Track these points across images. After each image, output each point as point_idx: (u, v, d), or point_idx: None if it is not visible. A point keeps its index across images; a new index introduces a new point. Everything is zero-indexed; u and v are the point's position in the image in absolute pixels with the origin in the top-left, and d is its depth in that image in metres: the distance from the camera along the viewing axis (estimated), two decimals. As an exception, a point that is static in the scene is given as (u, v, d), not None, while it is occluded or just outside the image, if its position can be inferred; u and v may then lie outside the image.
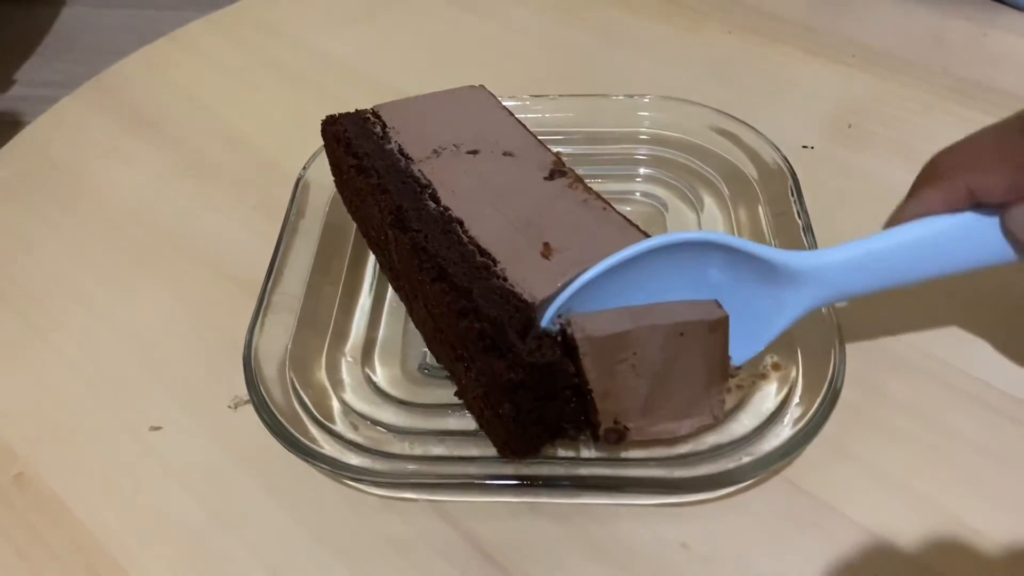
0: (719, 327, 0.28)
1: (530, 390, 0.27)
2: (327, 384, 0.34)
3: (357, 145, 0.37)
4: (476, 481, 0.29)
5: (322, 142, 0.40)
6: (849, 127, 0.48)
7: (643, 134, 0.44)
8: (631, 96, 0.44)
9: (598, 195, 0.34)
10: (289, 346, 0.34)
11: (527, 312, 0.29)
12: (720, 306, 0.28)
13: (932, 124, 0.48)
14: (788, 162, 0.39)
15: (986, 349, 0.36)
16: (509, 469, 0.30)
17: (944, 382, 0.35)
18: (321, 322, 0.36)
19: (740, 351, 0.30)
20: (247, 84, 0.55)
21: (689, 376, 0.29)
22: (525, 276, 0.30)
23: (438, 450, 0.31)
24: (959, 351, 0.36)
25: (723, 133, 0.42)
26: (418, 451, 0.31)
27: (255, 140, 0.49)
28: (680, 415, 0.30)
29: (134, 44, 0.58)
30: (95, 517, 0.32)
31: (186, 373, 0.36)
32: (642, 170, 0.44)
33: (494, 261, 0.31)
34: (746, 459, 0.29)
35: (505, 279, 0.30)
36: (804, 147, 0.46)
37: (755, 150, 0.41)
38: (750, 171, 0.41)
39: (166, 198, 0.46)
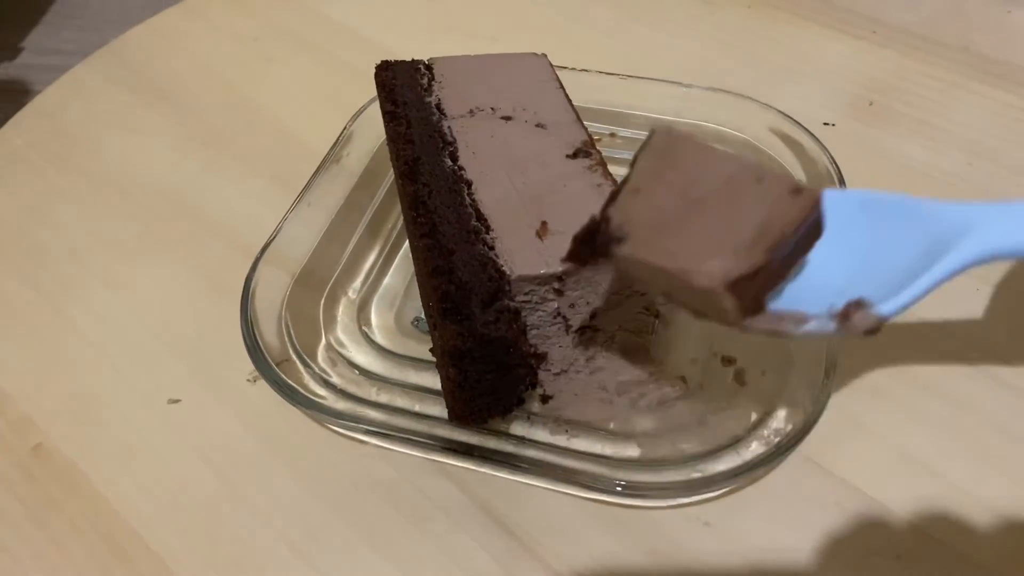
0: (804, 194, 0.24)
1: (478, 360, 0.28)
2: (320, 318, 0.35)
3: (399, 93, 0.38)
4: (416, 438, 0.30)
5: (335, 110, 0.41)
6: (870, 104, 0.47)
7: (700, 127, 0.42)
8: (709, 88, 0.43)
9: (615, 182, 0.33)
10: (296, 273, 0.35)
11: (500, 283, 0.29)
12: (815, 193, 0.24)
13: (954, 102, 0.47)
14: (841, 174, 0.37)
15: (1009, 330, 0.35)
16: (458, 435, 0.30)
17: (966, 361, 0.34)
18: (332, 258, 0.37)
19: (888, 299, 0.25)
20: (260, 54, 0.55)
21: (734, 221, 0.24)
22: (512, 249, 0.30)
23: (401, 402, 0.32)
24: (981, 332, 0.35)
25: (784, 137, 0.40)
26: (383, 399, 0.32)
27: (269, 111, 0.50)
28: (696, 251, 0.24)
29: (141, 12, 0.58)
30: (113, 488, 0.33)
31: (203, 346, 0.37)
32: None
33: (487, 228, 0.31)
34: (695, 475, 0.28)
35: (491, 247, 0.30)
36: (825, 124, 0.45)
37: (812, 159, 0.39)
38: (799, 176, 0.39)
39: (181, 169, 0.46)
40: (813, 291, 0.26)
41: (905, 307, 0.25)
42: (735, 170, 0.24)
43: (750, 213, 0.24)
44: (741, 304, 0.24)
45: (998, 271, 0.37)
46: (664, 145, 0.26)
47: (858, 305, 0.25)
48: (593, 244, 0.26)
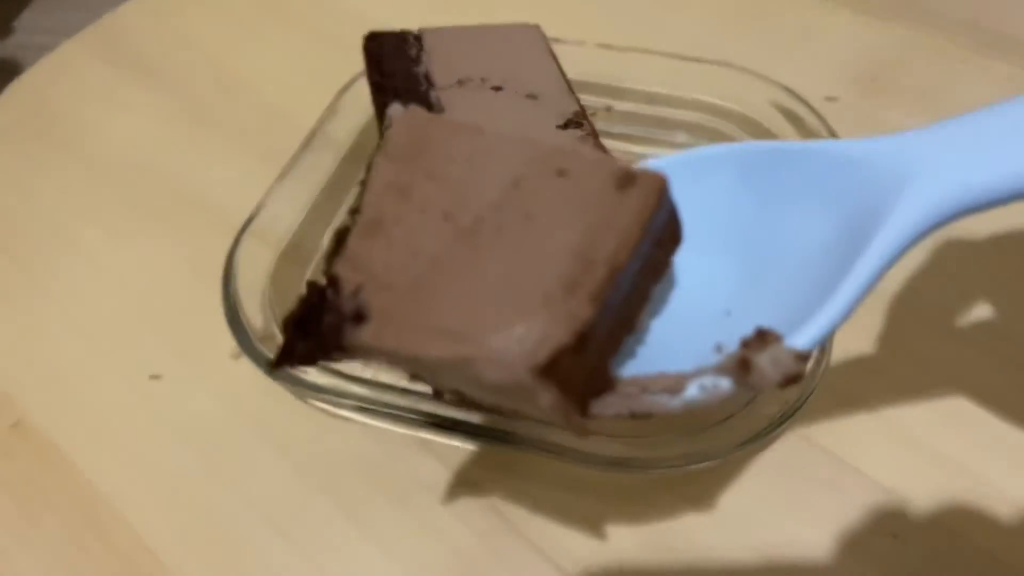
0: (638, 182, 0.16)
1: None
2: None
3: (387, 64, 0.37)
4: (400, 414, 0.29)
5: (325, 84, 0.40)
6: (874, 79, 0.45)
7: (699, 101, 0.41)
8: (709, 61, 0.42)
9: (606, 151, 0.33)
10: (281, 248, 0.35)
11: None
12: (655, 179, 0.16)
13: (961, 78, 0.45)
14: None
15: (1016, 309, 0.34)
16: (443, 411, 0.29)
17: (970, 340, 0.33)
18: (318, 234, 0.37)
19: (804, 320, 0.17)
20: (252, 32, 0.53)
21: (533, 251, 0.16)
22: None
23: (386, 377, 0.31)
24: (986, 310, 0.34)
25: (784, 112, 0.39)
26: (367, 374, 0.31)
27: (260, 89, 0.49)
28: (479, 317, 0.16)
29: None
30: (93, 465, 0.32)
31: (186, 323, 0.36)
32: (684, 137, 0.41)
33: (473, 200, 0.30)
34: (686, 450, 0.28)
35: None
36: (828, 99, 0.44)
37: (813, 134, 0.38)
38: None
39: (167, 146, 0.46)
40: (683, 327, 0.18)
41: (834, 328, 0.16)
42: (521, 161, 0.16)
43: (557, 232, 0.16)
44: (568, 393, 0.15)
45: (1009, 252, 0.36)
46: (411, 135, 0.17)
47: (760, 340, 0.16)
48: (317, 331, 0.17)
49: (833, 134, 0.37)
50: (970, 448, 0.30)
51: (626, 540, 0.28)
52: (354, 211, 0.17)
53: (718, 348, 0.17)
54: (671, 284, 0.18)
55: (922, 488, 0.29)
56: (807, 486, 0.29)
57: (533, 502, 0.29)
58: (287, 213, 0.36)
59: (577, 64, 0.39)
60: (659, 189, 0.16)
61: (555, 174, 0.16)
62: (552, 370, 0.15)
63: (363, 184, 0.18)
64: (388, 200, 0.17)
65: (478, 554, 0.28)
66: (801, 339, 0.16)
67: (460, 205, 0.17)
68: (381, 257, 0.17)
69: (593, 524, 0.29)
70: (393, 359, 0.16)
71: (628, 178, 0.16)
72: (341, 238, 0.17)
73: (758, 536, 0.28)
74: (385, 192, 0.17)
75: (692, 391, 0.16)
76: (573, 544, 0.28)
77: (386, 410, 0.30)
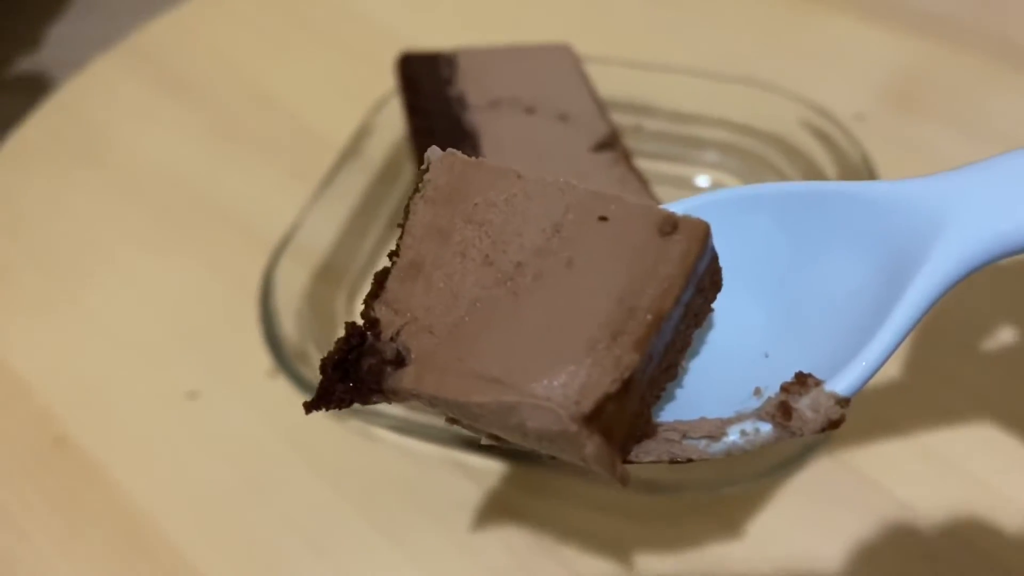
0: (681, 228, 0.16)
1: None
2: (340, 312, 0.35)
3: (421, 85, 0.38)
4: (435, 433, 0.30)
5: (356, 102, 0.41)
6: (905, 96, 0.45)
7: (729, 120, 0.41)
8: (737, 80, 0.42)
9: (640, 176, 0.33)
10: (316, 267, 0.35)
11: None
12: (699, 226, 0.17)
13: (990, 93, 0.45)
14: (872, 169, 0.36)
15: None
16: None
17: (999, 362, 0.33)
18: (352, 252, 0.37)
19: (843, 364, 0.17)
20: (282, 47, 0.54)
21: (576, 297, 0.16)
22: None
23: (421, 397, 0.32)
24: (1012, 333, 0.34)
25: (813, 130, 0.39)
26: (401, 394, 0.32)
27: (289, 103, 0.49)
28: (522, 363, 0.16)
29: (163, 3, 0.58)
30: (133, 480, 0.33)
31: (222, 339, 0.37)
32: (714, 156, 0.41)
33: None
34: (718, 473, 0.28)
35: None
36: (857, 116, 0.44)
37: (843, 153, 0.38)
38: (831, 174, 0.38)
39: (199, 161, 0.46)
40: (722, 370, 0.19)
41: (873, 373, 0.17)
42: (562, 206, 0.17)
43: (600, 278, 0.16)
44: (611, 442, 0.15)
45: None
46: (449, 179, 0.18)
47: (801, 385, 0.17)
48: (356, 373, 0.17)
49: (864, 154, 0.37)
50: (1006, 471, 0.30)
51: (657, 562, 0.29)
52: (393, 254, 0.18)
53: (757, 391, 0.18)
54: (709, 326, 0.19)
55: (956, 510, 0.29)
56: (839, 509, 0.29)
57: (565, 522, 0.30)
58: (322, 232, 0.36)
59: (606, 82, 0.39)
60: (702, 236, 0.16)
61: (596, 220, 0.17)
62: (596, 418, 0.15)
63: (401, 227, 0.18)
64: (428, 243, 0.17)
65: (510, 572, 0.29)
66: (841, 384, 0.16)
67: (501, 249, 0.17)
68: (421, 300, 0.17)
69: (624, 545, 0.29)
70: (433, 403, 0.17)
71: (671, 224, 0.16)
72: (380, 280, 0.18)
73: (790, 560, 0.28)
74: (424, 235, 0.18)
75: (733, 437, 0.17)
76: (604, 564, 0.29)
77: (421, 430, 0.30)
